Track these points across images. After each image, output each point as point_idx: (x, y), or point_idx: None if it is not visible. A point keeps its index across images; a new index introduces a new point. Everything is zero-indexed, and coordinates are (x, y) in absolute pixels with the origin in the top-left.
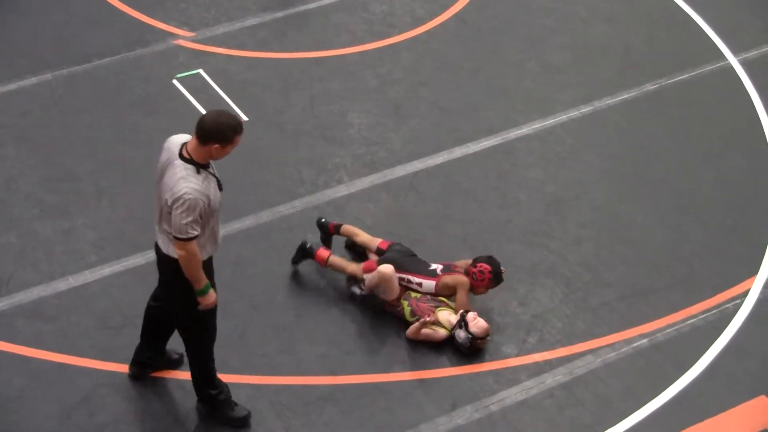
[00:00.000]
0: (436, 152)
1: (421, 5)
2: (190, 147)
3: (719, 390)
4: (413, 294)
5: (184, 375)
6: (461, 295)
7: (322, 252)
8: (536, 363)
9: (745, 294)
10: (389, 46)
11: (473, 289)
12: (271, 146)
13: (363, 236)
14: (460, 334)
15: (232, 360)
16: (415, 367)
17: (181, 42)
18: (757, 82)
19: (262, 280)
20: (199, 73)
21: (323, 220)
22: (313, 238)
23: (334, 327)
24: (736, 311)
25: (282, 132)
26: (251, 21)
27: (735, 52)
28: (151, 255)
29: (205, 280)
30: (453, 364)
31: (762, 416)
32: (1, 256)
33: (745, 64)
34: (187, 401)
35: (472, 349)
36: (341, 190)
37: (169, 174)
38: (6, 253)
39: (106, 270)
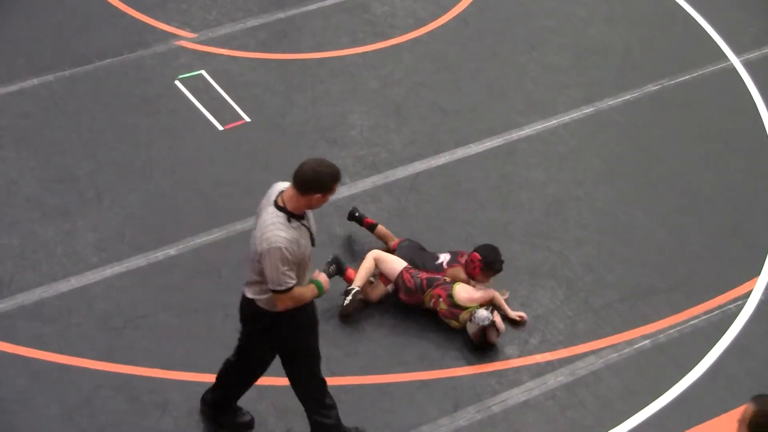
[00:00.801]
0: (438, 153)
1: (423, 6)
2: (286, 195)
3: (721, 391)
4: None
5: (184, 376)
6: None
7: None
8: (538, 364)
9: (747, 295)
10: (390, 47)
11: (472, 278)
12: (273, 147)
13: (387, 236)
14: (482, 313)
15: None
16: (416, 368)
17: (183, 43)
18: (759, 82)
19: None
20: (201, 74)
21: (357, 213)
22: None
23: (335, 328)
24: (738, 312)
25: (283, 133)
26: (253, 22)
27: (737, 52)
28: (153, 255)
29: (313, 292)
30: (455, 365)
31: None
32: (2, 258)
33: (747, 65)
34: (189, 403)
35: (479, 335)
36: (343, 192)
37: (260, 221)
38: (7, 255)
39: (107, 271)
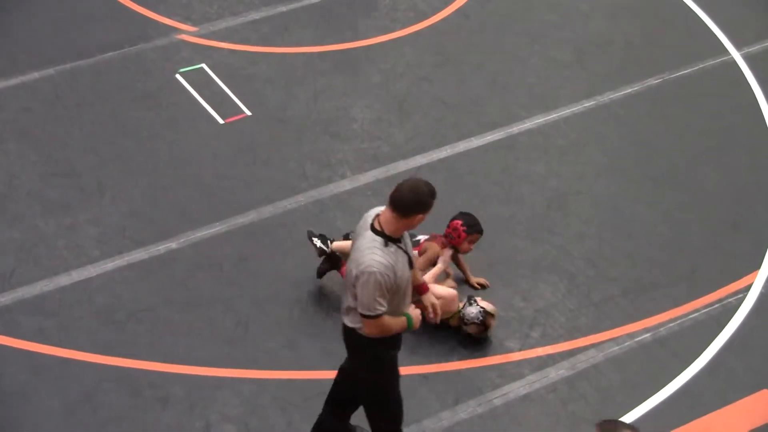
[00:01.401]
0: (439, 147)
1: (424, 0)
2: (383, 219)
3: (721, 384)
4: None
5: (186, 370)
6: (423, 259)
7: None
8: (539, 357)
9: (748, 288)
10: (392, 40)
11: (457, 249)
12: (274, 141)
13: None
14: (471, 310)
15: (235, 355)
16: (417, 362)
17: (184, 37)
18: (759, 76)
19: (265, 275)
20: (202, 67)
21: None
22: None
23: (337, 322)
24: (739, 306)
25: (285, 127)
26: (254, 15)
27: (738, 46)
28: (154, 249)
29: (402, 324)
30: (455, 359)
31: (764, 410)
32: (3, 252)
33: (747, 58)
34: (191, 396)
35: (482, 329)
36: (344, 185)
37: (356, 245)
38: (8, 249)
39: (109, 265)
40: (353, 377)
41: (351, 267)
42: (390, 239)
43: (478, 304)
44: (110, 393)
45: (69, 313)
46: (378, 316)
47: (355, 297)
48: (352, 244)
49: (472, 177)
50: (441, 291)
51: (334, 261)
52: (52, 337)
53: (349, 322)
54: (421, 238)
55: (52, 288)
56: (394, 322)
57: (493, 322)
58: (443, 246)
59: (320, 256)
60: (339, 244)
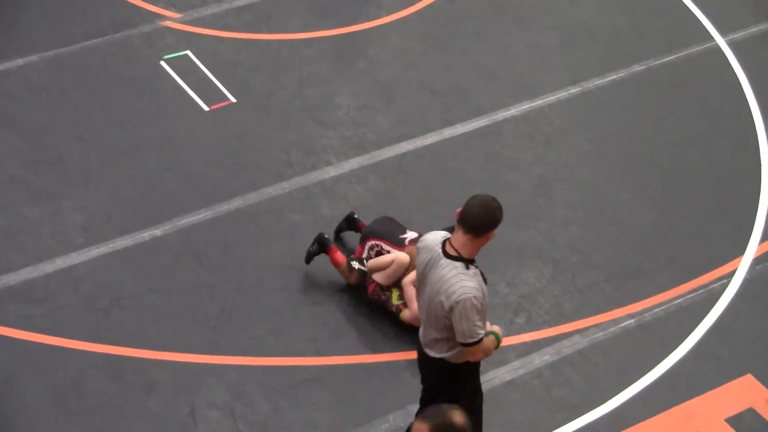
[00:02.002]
0: (425, 133)
1: None
2: (457, 243)
3: (706, 369)
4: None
5: (171, 356)
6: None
7: (340, 257)
8: (524, 343)
9: (732, 274)
10: (377, 27)
11: None
12: (259, 128)
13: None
14: None
15: (220, 342)
16: (403, 348)
17: (169, 23)
18: (744, 63)
19: (250, 262)
20: (186, 54)
21: (356, 216)
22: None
23: (323, 308)
24: (723, 291)
25: (270, 114)
26: (238, 2)
27: (723, 33)
28: (139, 236)
29: (494, 342)
30: None
31: (748, 395)
32: None
33: (732, 45)
34: (176, 383)
35: None
36: (329, 172)
37: (436, 275)
38: None
39: (94, 252)
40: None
41: (439, 298)
42: (469, 262)
43: None
44: (96, 380)
45: (54, 300)
46: (480, 341)
47: (446, 328)
48: (426, 276)
49: (458, 164)
50: (406, 315)
51: (322, 245)
52: (37, 325)
53: (435, 353)
54: (409, 235)
55: (37, 275)
56: (489, 341)
57: None
58: None
59: (355, 280)
60: (375, 262)
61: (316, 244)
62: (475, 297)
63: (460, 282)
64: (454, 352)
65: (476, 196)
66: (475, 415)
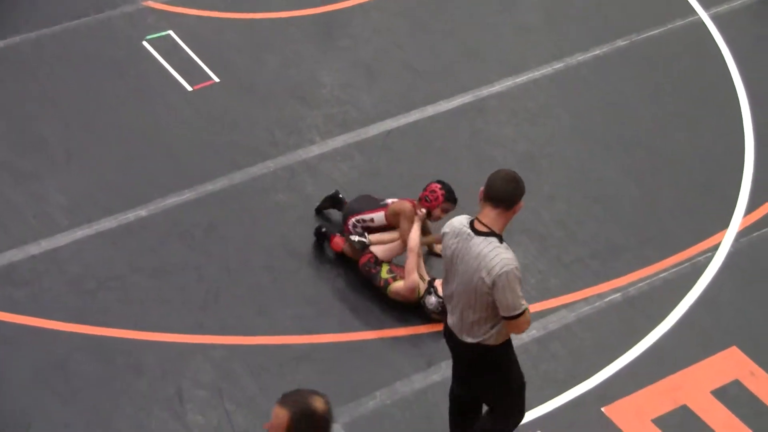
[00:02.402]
0: (408, 111)
1: None
2: (487, 219)
3: (691, 342)
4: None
5: (158, 337)
6: (404, 224)
7: (339, 240)
8: None
9: (716, 247)
10: (360, 5)
11: (429, 214)
12: (243, 107)
13: None
14: (431, 299)
15: (206, 322)
16: (390, 326)
17: (151, 3)
18: (727, 36)
19: (236, 241)
20: (169, 34)
21: (341, 195)
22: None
23: (309, 287)
24: (708, 264)
25: (253, 93)
26: None
27: (706, 6)
28: (123, 217)
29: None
30: (428, 322)
31: (734, 367)
32: None
33: (715, 18)
34: (163, 364)
35: (443, 314)
36: (313, 150)
37: (472, 254)
38: None
39: (78, 233)
40: (487, 387)
41: (479, 276)
42: (500, 237)
43: (437, 293)
44: (82, 361)
45: (39, 282)
46: (524, 312)
47: (488, 306)
48: (456, 259)
49: (442, 141)
50: (398, 287)
51: (336, 202)
52: (22, 307)
53: (473, 338)
54: (388, 201)
55: (22, 257)
56: (529, 313)
57: None
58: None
59: (362, 249)
60: (378, 236)
61: (316, 237)
62: (516, 267)
63: (499, 255)
64: (492, 332)
65: (498, 171)
66: (518, 398)
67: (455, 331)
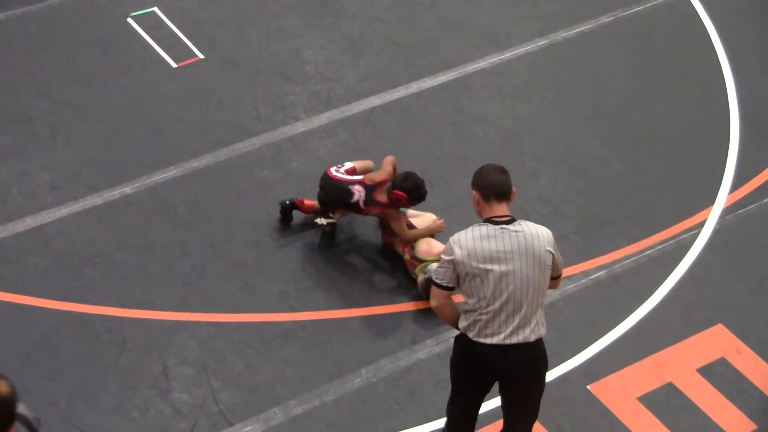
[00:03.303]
0: (393, 87)
1: None
2: (501, 211)
3: (677, 319)
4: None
5: (142, 314)
6: (396, 226)
7: (309, 202)
8: None
9: (702, 224)
10: None
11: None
12: (227, 84)
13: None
14: (434, 266)
15: (191, 299)
16: (374, 303)
17: None
18: (712, 13)
19: (220, 218)
20: (153, 11)
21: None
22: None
23: (294, 264)
24: (693, 241)
25: (238, 69)
26: None
27: None
28: (108, 194)
29: None
30: (412, 300)
31: (720, 344)
32: None
33: None
34: (148, 340)
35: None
36: (298, 127)
37: (521, 241)
38: None
39: (63, 211)
40: (535, 392)
41: (544, 249)
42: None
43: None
44: (67, 338)
45: (24, 259)
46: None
47: (545, 285)
48: (494, 262)
49: (426, 117)
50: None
51: (285, 209)
52: (7, 284)
53: (536, 334)
54: (348, 164)
55: (7, 235)
56: None
57: None
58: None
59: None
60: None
61: (281, 211)
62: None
63: (537, 226)
64: (544, 319)
65: (484, 169)
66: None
67: (517, 340)
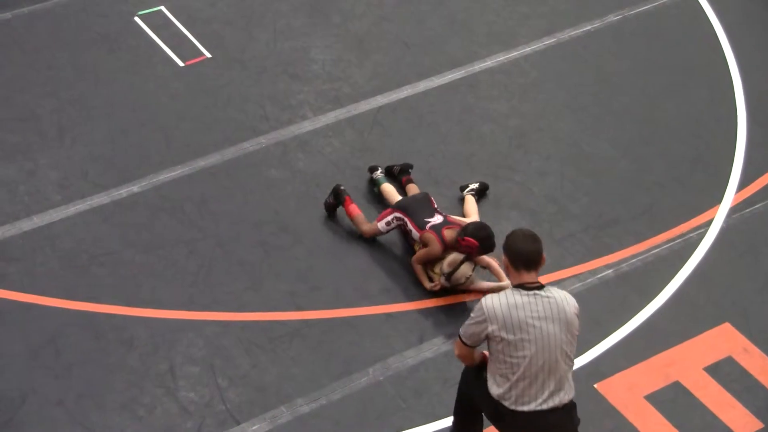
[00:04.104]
0: (400, 87)
1: None
2: (533, 278)
3: (684, 318)
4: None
5: (149, 313)
6: (423, 253)
7: (354, 208)
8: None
9: (709, 223)
10: None
11: (468, 258)
12: (234, 83)
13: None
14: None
15: (198, 297)
16: (382, 302)
17: None
18: (719, 11)
19: (227, 217)
20: (160, 10)
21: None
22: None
23: (301, 263)
24: (700, 240)
25: (245, 68)
26: None
27: None
28: (116, 193)
29: None
30: (419, 298)
31: (726, 343)
32: None
33: None
34: (154, 339)
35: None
36: (305, 126)
37: (552, 305)
38: None
39: (71, 209)
40: None
41: (573, 314)
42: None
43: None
44: (74, 337)
45: (32, 258)
46: None
47: (572, 352)
48: (529, 327)
49: (433, 116)
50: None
51: (338, 196)
52: (14, 283)
53: (569, 396)
54: (433, 220)
55: (14, 233)
56: None
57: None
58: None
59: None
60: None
61: (332, 196)
62: None
63: (563, 291)
64: (572, 380)
65: (517, 236)
66: None
67: (554, 404)
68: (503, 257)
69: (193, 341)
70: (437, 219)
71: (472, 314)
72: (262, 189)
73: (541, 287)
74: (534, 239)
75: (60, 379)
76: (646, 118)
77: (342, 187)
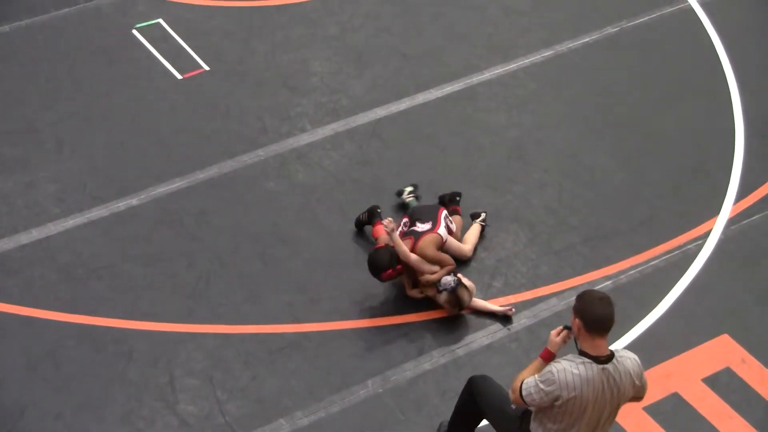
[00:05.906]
0: (399, 99)
1: None
2: (604, 344)
3: (682, 330)
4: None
5: (148, 326)
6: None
7: (380, 229)
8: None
9: (707, 235)
10: None
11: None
12: (233, 95)
13: None
14: (447, 278)
15: (197, 310)
16: (381, 314)
17: None
18: (716, 23)
19: (226, 229)
20: (158, 22)
21: (379, 210)
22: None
23: (300, 275)
24: (698, 252)
25: (243, 81)
26: None
27: None
28: (114, 206)
29: None
30: (419, 311)
31: (725, 354)
32: None
33: (705, 5)
34: (154, 351)
35: (454, 301)
36: (304, 138)
37: (615, 383)
38: None
39: (69, 222)
40: None
41: (626, 393)
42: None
43: (456, 275)
44: (73, 349)
45: (30, 271)
46: None
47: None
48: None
49: (432, 128)
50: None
51: (372, 216)
52: (13, 296)
53: None
54: (423, 227)
55: (13, 246)
56: None
57: (466, 297)
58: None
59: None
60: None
61: (366, 213)
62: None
63: (630, 360)
64: None
65: (587, 297)
66: None
67: None
68: (575, 320)
69: (192, 354)
70: (424, 227)
71: (539, 380)
72: (261, 201)
73: (611, 357)
74: (608, 303)
75: (59, 391)
76: (644, 130)
77: (379, 210)
